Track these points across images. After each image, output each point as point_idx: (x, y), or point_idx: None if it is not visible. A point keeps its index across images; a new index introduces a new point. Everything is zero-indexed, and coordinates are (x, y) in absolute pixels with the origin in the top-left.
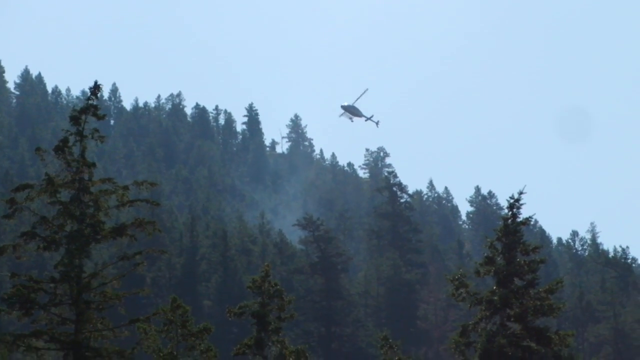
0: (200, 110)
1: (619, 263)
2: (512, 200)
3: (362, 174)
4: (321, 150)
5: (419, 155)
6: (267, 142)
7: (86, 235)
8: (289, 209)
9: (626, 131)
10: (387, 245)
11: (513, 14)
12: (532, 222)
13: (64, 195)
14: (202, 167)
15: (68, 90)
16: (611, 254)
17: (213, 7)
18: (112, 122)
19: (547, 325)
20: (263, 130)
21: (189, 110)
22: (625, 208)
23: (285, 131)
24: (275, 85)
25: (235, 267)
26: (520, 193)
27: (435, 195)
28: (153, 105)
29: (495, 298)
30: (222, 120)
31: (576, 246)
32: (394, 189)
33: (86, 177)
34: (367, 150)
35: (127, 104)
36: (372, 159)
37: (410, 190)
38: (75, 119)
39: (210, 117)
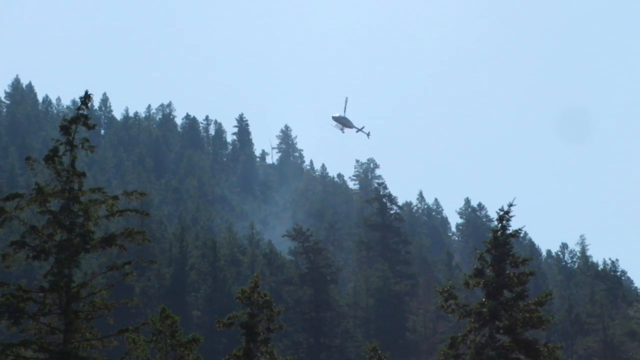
0: (190, 121)
1: (609, 276)
2: (501, 212)
3: (352, 185)
4: (311, 161)
5: (409, 167)
6: (257, 152)
7: (75, 245)
8: (278, 220)
9: (625, 136)
10: (377, 256)
11: (512, 17)
12: (521, 235)
13: (54, 204)
14: (192, 177)
15: (58, 99)
16: (600, 267)
17: (204, 18)
18: (102, 131)
19: (536, 338)
20: (253, 141)
21: (179, 121)
22: (615, 221)
23: (276, 142)
24: (265, 96)
25: (224, 278)
26: (510, 205)
27: (425, 206)
28: (143, 115)
29: (485, 310)
30: (212, 131)
31: (565, 259)
32: (384, 200)
33: (76, 186)
34: (357, 161)
35: (118, 114)
36: (362, 170)
37: (400, 201)
38: (65, 129)
39: (201, 128)
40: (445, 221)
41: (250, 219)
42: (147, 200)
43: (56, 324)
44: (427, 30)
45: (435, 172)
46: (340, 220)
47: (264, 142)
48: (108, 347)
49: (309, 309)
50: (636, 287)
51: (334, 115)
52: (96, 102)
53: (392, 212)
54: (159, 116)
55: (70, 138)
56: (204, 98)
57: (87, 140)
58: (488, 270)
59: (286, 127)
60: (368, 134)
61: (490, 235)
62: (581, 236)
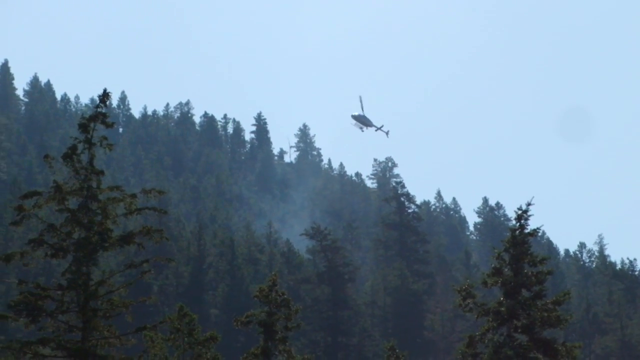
0: (208, 119)
1: (627, 275)
2: (520, 212)
3: (370, 183)
4: (329, 160)
5: (427, 166)
6: (275, 151)
7: (94, 243)
8: (296, 219)
9: (634, 136)
10: (394, 255)
11: (516, 17)
12: (539, 234)
13: (72, 202)
14: (210, 176)
15: (77, 97)
16: (619, 266)
17: (223, 17)
18: (120, 130)
19: (554, 337)
20: (271, 139)
21: (197, 119)
22: (633, 220)
23: (294, 140)
24: (284, 95)
25: (242, 276)
26: (528, 204)
27: (443, 205)
28: (162, 113)
29: (503, 309)
30: (230, 129)
31: (583, 258)
32: (402, 199)
33: (94, 184)
34: (375, 160)
35: (136, 112)
36: (380, 169)
37: (418, 200)
38: (83, 127)
39: (219, 126)
40: (463, 220)
41: (268, 217)
42: (165, 199)
43: (74, 321)
44: (436, 32)
45: (453, 171)
46: (358, 219)
47: (282, 141)
48: (126, 345)
49: (327, 307)
50: None
51: (354, 114)
52: (114, 101)
53: (410, 211)
54: (177, 114)
55: (89, 136)
56: (222, 96)
57: (105, 138)
58: (506, 269)
59: (304, 125)
60: (387, 133)
61: (509, 234)
62: (599, 235)
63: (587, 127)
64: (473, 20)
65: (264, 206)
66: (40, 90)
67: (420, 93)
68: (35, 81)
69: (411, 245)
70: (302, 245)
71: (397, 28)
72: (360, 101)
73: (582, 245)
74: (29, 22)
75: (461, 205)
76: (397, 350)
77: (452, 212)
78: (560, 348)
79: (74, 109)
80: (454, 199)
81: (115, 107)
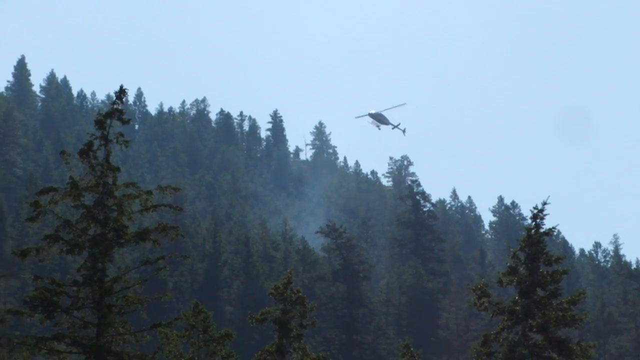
0: (224, 116)
1: None
2: (535, 211)
3: (386, 182)
4: (345, 158)
5: (442, 165)
6: (291, 149)
7: (109, 239)
8: (312, 216)
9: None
10: (409, 253)
11: (519, 18)
12: (555, 233)
13: (88, 199)
14: (225, 173)
15: (93, 94)
16: (634, 266)
17: (239, 14)
18: (136, 126)
19: (569, 336)
20: (287, 137)
21: (213, 116)
22: None
23: (309, 138)
24: (300, 93)
25: (257, 274)
26: (544, 203)
27: (459, 204)
28: (178, 110)
29: (518, 308)
30: (246, 127)
31: (599, 257)
32: (417, 197)
33: (110, 181)
34: (390, 158)
35: (152, 109)
36: (395, 168)
37: (434, 199)
38: (100, 123)
39: (235, 123)
40: (478, 219)
41: (284, 215)
42: (181, 196)
43: (89, 318)
44: (446, 26)
45: (469, 170)
46: (374, 217)
47: (298, 139)
48: (141, 342)
49: (342, 305)
50: None
51: (371, 112)
52: (131, 97)
53: (425, 209)
54: (193, 111)
55: (105, 132)
56: (238, 94)
57: (121, 134)
58: (521, 269)
59: (320, 123)
60: (404, 131)
61: (524, 233)
62: (614, 235)
63: (594, 126)
64: (479, 18)
65: (279, 204)
66: (56, 87)
67: (438, 91)
68: (52, 77)
69: (426, 243)
70: (317, 243)
71: (408, 27)
72: (398, 105)
73: (597, 245)
74: (46, 18)
75: (476, 204)
76: (412, 349)
77: (467, 211)
78: (575, 347)
79: (90, 106)
80: (469, 197)
81: (132, 103)
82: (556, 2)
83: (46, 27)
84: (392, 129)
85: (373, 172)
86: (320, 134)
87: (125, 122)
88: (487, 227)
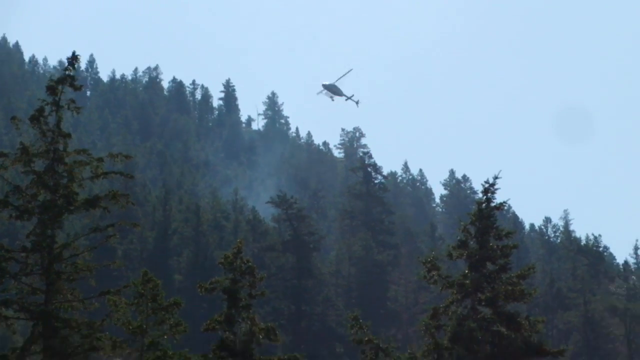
0: (177, 85)
1: (591, 251)
2: (486, 185)
3: (337, 153)
4: (297, 129)
5: (395, 137)
6: (244, 118)
7: (59, 206)
8: (262, 186)
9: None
10: (360, 225)
11: (511, 15)
12: (505, 208)
13: (38, 165)
14: (177, 142)
15: (45, 59)
16: (583, 242)
17: None
18: (88, 93)
19: (517, 311)
20: (239, 107)
21: (165, 84)
22: (598, 196)
23: (262, 108)
24: (253, 62)
25: (207, 243)
26: (495, 178)
27: (410, 177)
28: (130, 77)
29: (467, 282)
30: (198, 95)
31: (549, 233)
32: (369, 169)
33: (61, 147)
34: (342, 130)
35: (104, 76)
36: (347, 139)
37: (385, 171)
38: (51, 89)
39: (187, 92)
40: (429, 192)
41: (235, 184)
42: (132, 163)
43: (38, 284)
44: (429, 6)
45: (421, 143)
46: (325, 188)
47: (251, 108)
48: (89, 309)
49: (291, 276)
50: (618, 263)
51: (324, 82)
52: (83, 64)
53: (376, 181)
54: (146, 79)
55: (57, 98)
56: (191, 62)
57: (73, 101)
58: (471, 242)
59: (273, 93)
60: (357, 102)
61: (475, 207)
62: (565, 211)
63: (583, 123)
64: (467, 14)
65: (230, 173)
66: (8, 51)
67: (394, 63)
68: (3, 42)
69: (377, 215)
70: (267, 213)
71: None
72: (346, 72)
73: (547, 220)
74: None
75: (428, 177)
76: (361, 321)
77: (418, 184)
78: (523, 322)
79: (42, 71)
80: (420, 170)
81: (84, 70)
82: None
83: None
84: (346, 100)
85: (325, 143)
86: (272, 104)
87: (77, 89)
88: (438, 200)
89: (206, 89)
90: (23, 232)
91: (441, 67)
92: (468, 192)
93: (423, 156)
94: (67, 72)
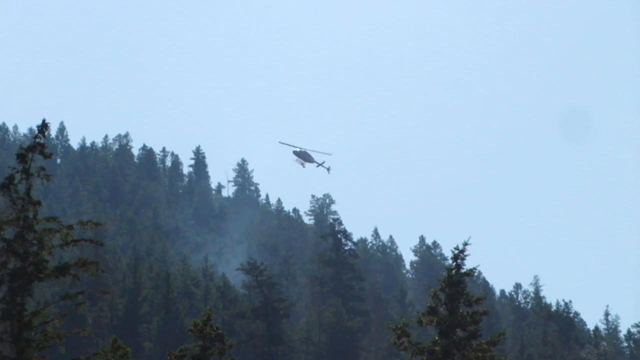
0: (147, 152)
1: (562, 317)
2: (456, 251)
3: (308, 220)
4: (267, 195)
5: (364, 203)
6: (214, 185)
7: (29, 274)
8: (233, 253)
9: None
10: (330, 292)
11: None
12: (475, 274)
13: (8, 232)
14: (147, 209)
15: (15, 127)
16: (554, 308)
17: (162, 50)
18: (58, 160)
19: None
20: (209, 174)
21: (136, 151)
22: (568, 262)
23: (232, 175)
24: (223, 129)
25: (177, 310)
26: (465, 244)
27: (380, 243)
28: (100, 145)
29: (437, 348)
30: (169, 162)
31: (519, 299)
32: (339, 236)
33: (31, 215)
34: (312, 196)
35: (75, 143)
36: (317, 206)
37: (355, 237)
38: (21, 157)
39: (157, 159)
40: (399, 258)
41: (205, 251)
42: (102, 231)
43: (7, 352)
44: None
45: (391, 210)
46: (295, 254)
47: (221, 175)
48: None
49: (262, 343)
50: (589, 328)
51: (295, 149)
52: (53, 131)
53: (346, 248)
54: (116, 146)
55: (27, 166)
56: (161, 129)
57: (43, 169)
58: (442, 309)
59: (243, 160)
60: (328, 169)
61: (445, 273)
62: (535, 277)
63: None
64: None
65: (200, 240)
66: None
67: (361, 130)
68: None
69: (347, 282)
70: (238, 280)
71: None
72: (324, 153)
73: (517, 286)
74: None
75: (398, 244)
76: None
77: (388, 250)
78: None
79: (12, 139)
80: (390, 237)
81: (54, 137)
82: (556, 2)
83: None
84: (317, 167)
85: (295, 210)
86: (242, 170)
87: (47, 156)
88: (408, 266)
89: (176, 156)
90: None
91: (412, 134)
92: (438, 258)
93: (393, 222)
94: (37, 140)
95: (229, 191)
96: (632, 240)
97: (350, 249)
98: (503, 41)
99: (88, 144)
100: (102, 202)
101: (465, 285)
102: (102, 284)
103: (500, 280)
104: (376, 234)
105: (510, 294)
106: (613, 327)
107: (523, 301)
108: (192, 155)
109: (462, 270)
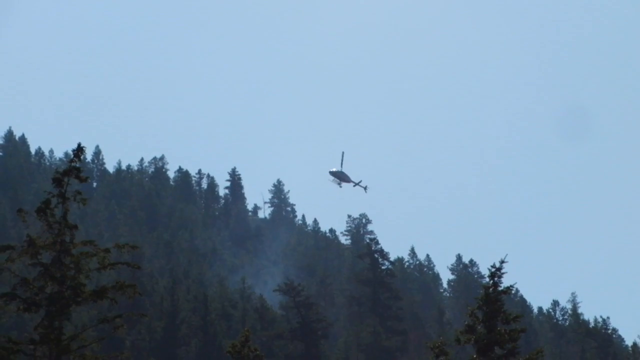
0: (182, 174)
1: (600, 333)
2: (493, 269)
3: (344, 240)
4: (303, 216)
5: (401, 223)
6: (250, 206)
7: (66, 298)
8: (270, 274)
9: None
10: (368, 312)
11: (510, 18)
12: (513, 291)
13: (45, 256)
14: (183, 231)
15: (51, 151)
16: (592, 325)
17: (197, 72)
18: (94, 184)
19: None
20: (245, 195)
21: (171, 174)
22: (607, 278)
23: (268, 196)
24: (258, 150)
25: (215, 332)
26: (502, 262)
27: (417, 262)
28: (136, 168)
29: None
30: (204, 185)
31: (557, 316)
32: (375, 255)
33: (67, 239)
34: (349, 216)
35: (110, 167)
36: (354, 226)
37: (392, 257)
38: (57, 181)
39: (193, 181)
40: (436, 277)
41: (242, 273)
42: (139, 254)
43: None
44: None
45: (427, 228)
46: (332, 275)
47: (257, 197)
48: None
49: None
50: (627, 345)
51: (331, 170)
52: (89, 155)
53: (383, 267)
54: (152, 169)
55: (63, 190)
56: (197, 152)
57: (79, 192)
58: (479, 327)
59: (278, 181)
60: (365, 188)
61: (482, 291)
62: (572, 293)
63: (590, 128)
64: (465, 27)
65: (237, 262)
66: (14, 144)
67: (397, 148)
68: (9, 135)
69: (384, 301)
70: (275, 301)
71: (372, 75)
72: (342, 157)
73: (555, 303)
74: (2, 74)
75: (435, 262)
76: None
77: (425, 269)
78: None
79: (48, 163)
80: (427, 255)
81: (90, 161)
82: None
83: (4, 83)
84: (354, 186)
85: (331, 230)
86: (278, 191)
87: (83, 180)
88: (445, 285)
89: (212, 178)
90: (31, 325)
91: (444, 152)
92: (475, 276)
93: (430, 241)
94: (72, 164)
95: (265, 212)
96: None
97: (387, 269)
98: (503, 40)
99: (124, 167)
100: (139, 225)
101: (502, 303)
102: (139, 307)
103: (538, 298)
104: (413, 253)
105: (547, 311)
106: None
107: (561, 318)
108: (228, 177)
109: (499, 288)
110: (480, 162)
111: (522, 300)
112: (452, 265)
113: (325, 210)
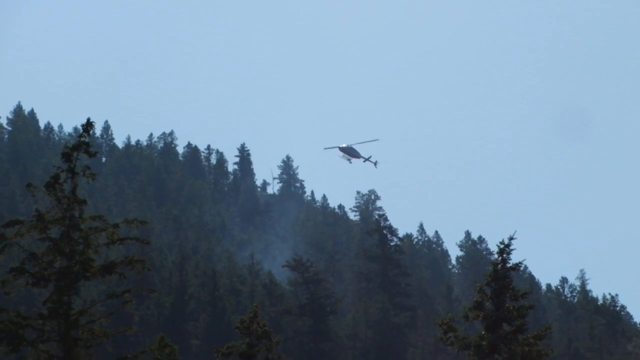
0: (192, 150)
1: (608, 311)
2: (502, 246)
3: (353, 216)
4: (312, 192)
5: (410, 199)
6: (259, 182)
7: (75, 273)
8: (278, 250)
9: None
10: (376, 288)
11: (512, 19)
12: (521, 268)
13: (54, 231)
14: (192, 206)
15: (60, 127)
16: (600, 302)
17: (206, 47)
18: (103, 159)
19: None
20: (254, 171)
21: (180, 149)
22: (615, 255)
23: (277, 172)
24: (267, 126)
25: (223, 307)
26: (511, 238)
27: (426, 239)
28: (145, 143)
29: (484, 343)
30: (213, 160)
31: (565, 293)
32: (384, 232)
33: (76, 214)
34: (358, 192)
35: (119, 142)
36: (362, 202)
37: (401, 233)
38: (66, 156)
39: (202, 157)
40: (445, 254)
41: (251, 248)
42: (148, 229)
43: (55, 351)
44: (432, 49)
45: (436, 205)
46: (341, 251)
47: (266, 172)
48: None
49: (308, 339)
50: (635, 322)
51: (341, 145)
52: (98, 130)
53: (392, 243)
54: (161, 145)
55: (72, 165)
56: (206, 127)
57: (88, 167)
58: (488, 303)
59: (288, 157)
60: (375, 163)
61: (491, 268)
62: (581, 270)
63: (588, 127)
64: (467, 26)
65: (246, 237)
66: (23, 119)
67: (406, 125)
68: (18, 109)
69: (393, 278)
70: (284, 277)
71: (381, 56)
72: (371, 140)
73: (563, 280)
74: (12, 50)
75: (443, 239)
76: None
77: (434, 246)
78: None
79: (57, 138)
80: (436, 232)
81: (99, 136)
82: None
83: (13, 59)
84: (364, 162)
85: (340, 206)
86: (287, 167)
87: (92, 155)
88: (454, 261)
89: (221, 153)
90: (39, 299)
91: (456, 130)
92: (484, 253)
93: (439, 218)
94: (82, 139)
95: (274, 188)
96: None
97: (396, 245)
98: (503, 40)
99: (133, 142)
100: (148, 201)
101: (511, 280)
102: (148, 282)
103: (546, 274)
104: (422, 229)
105: (556, 288)
106: None
107: (569, 295)
108: (237, 153)
109: (508, 265)
110: (491, 141)
111: (531, 277)
112: (460, 241)
113: (334, 186)
